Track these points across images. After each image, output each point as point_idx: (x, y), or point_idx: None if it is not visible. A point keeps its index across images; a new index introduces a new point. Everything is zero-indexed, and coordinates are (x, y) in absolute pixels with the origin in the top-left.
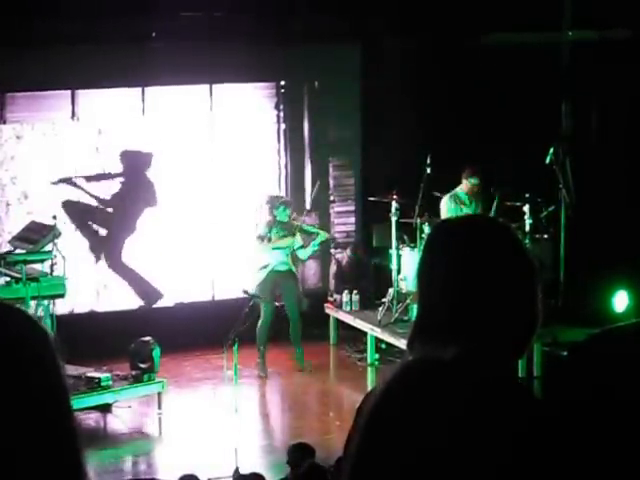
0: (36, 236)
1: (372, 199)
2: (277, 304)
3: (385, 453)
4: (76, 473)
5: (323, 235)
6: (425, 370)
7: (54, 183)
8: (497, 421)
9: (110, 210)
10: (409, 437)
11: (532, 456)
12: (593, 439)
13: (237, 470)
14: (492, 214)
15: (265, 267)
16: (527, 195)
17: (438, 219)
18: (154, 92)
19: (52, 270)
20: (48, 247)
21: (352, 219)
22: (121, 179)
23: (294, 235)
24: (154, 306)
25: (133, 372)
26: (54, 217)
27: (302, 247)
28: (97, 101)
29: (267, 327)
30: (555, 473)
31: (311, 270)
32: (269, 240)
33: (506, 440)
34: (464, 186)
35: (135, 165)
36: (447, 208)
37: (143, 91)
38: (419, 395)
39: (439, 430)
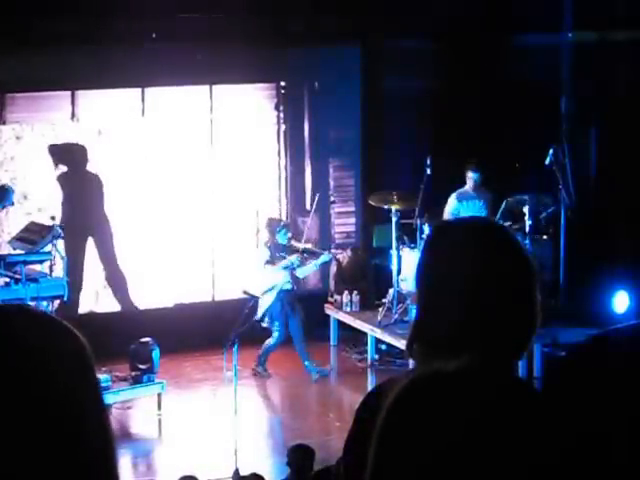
0: (35, 237)
1: (372, 199)
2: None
3: (400, 465)
4: None
5: (326, 256)
6: (436, 381)
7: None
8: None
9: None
10: (424, 448)
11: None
12: (593, 441)
13: (237, 471)
14: (497, 217)
15: (273, 288)
16: (526, 196)
17: (438, 219)
18: (154, 93)
19: (51, 271)
20: (47, 248)
21: (352, 220)
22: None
23: (292, 255)
24: (154, 307)
25: (133, 373)
26: (53, 218)
27: (300, 266)
28: (97, 102)
29: (274, 348)
30: (559, 475)
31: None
32: (273, 263)
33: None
34: (468, 183)
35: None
36: (452, 206)
37: (143, 92)
38: (432, 406)
39: (455, 440)
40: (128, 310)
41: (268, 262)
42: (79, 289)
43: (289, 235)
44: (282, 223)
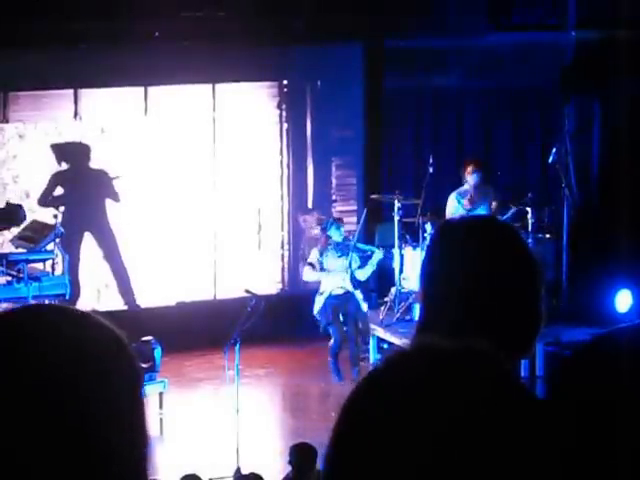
0: (37, 235)
1: (374, 197)
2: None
3: (359, 458)
4: None
5: (379, 253)
6: (417, 359)
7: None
8: (496, 421)
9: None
10: (392, 438)
11: (533, 457)
12: (596, 441)
13: (238, 470)
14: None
15: (322, 294)
16: (530, 195)
17: (441, 218)
18: (157, 92)
19: (54, 269)
20: (49, 246)
21: (354, 218)
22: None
23: (349, 255)
24: (156, 306)
25: None
26: (55, 216)
27: (360, 267)
28: (100, 100)
29: (338, 347)
30: (557, 475)
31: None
32: (321, 266)
33: (506, 442)
34: (468, 182)
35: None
36: (452, 205)
37: (146, 90)
38: (405, 386)
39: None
40: (130, 308)
41: (311, 265)
42: (77, 286)
43: (342, 230)
44: (331, 219)
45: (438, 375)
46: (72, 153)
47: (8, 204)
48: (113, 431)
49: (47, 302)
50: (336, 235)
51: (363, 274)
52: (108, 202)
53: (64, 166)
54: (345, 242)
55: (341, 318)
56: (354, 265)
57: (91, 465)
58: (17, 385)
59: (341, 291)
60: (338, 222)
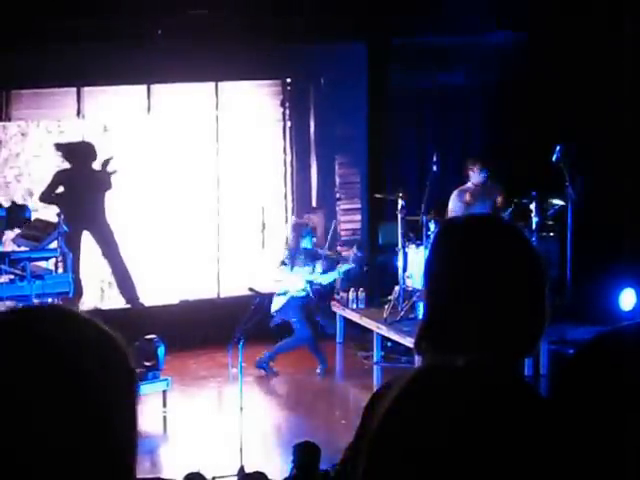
0: (40, 234)
1: (378, 196)
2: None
3: (396, 460)
4: None
5: (347, 266)
6: (438, 376)
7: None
8: (510, 426)
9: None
10: (420, 444)
11: (542, 459)
12: (601, 439)
13: (242, 469)
14: (507, 215)
15: (285, 294)
16: (534, 193)
17: (444, 216)
18: (160, 90)
19: (57, 268)
20: (52, 245)
21: (358, 217)
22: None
23: (314, 264)
24: (159, 304)
25: (138, 370)
26: (58, 215)
27: (323, 272)
28: (103, 99)
29: (286, 350)
30: (565, 475)
31: None
32: (292, 267)
33: (518, 444)
34: (472, 180)
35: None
36: (454, 203)
37: (149, 89)
38: (432, 401)
39: (452, 436)
40: (133, 306)
41: (284, 264)
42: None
43: (314, 240)
44: (309, 227)
45: (456, 387)
46: (77, 152)
47: (13, 204)
48: (106, 428)
49: (50, 301)
50: (307, 243)
51: (326, 279)
52: (108, 201)
53: (67, 164)
54: (314, 250)
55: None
56: (317, 270)
57: (81, 463)
58: (15, 386)
59: (302, 293)
60: (313, 232)
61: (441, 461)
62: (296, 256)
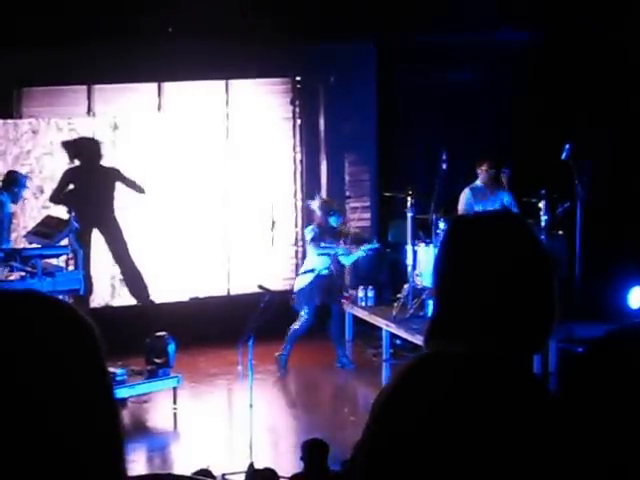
0: (51, 231)
1: (388, 194)
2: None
3: (397, 447)
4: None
5: (374, 243)
6: (438, 363)
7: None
8: (511, 416)
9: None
10: (422, 430)
11: (546, 452)
12: (610, 436)
13: (251, 465)
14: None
15: (312, 271)
16: (543, 191)
17: (454, 214)
18: (170, 88)
19: (68, 265)
20: (64, 242)
21: (368, 214)
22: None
23: (339, 240)
24: (169, 301)
25: (148, 367)
26: (69, 212)
27: (345, 253)
28: (113, 96)
29: (300, 333)
30: (570, 471)
31: None
32: (319, 245)
33: (519, 435)
34: (481, 178)
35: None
36: (465, 200)
37: (159, 86)
38: (432, 388)
39: (452, 423)
40: (144, 304)
41: (313, 240)
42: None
43: (341, 220)
44: (336, 206)
45: (455, 374)
46: (84, 149)
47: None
48: (73, 424)
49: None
50: (334, 222)
51: (348, 259)
52: (117, 199)
53: (76, 162)
54: (339, 229)
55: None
56: (339, 252)
57: (47, 457)
58: None
59: (326, 272)
60: (339, 212)
61: (436, 446)
62: (323, 234)
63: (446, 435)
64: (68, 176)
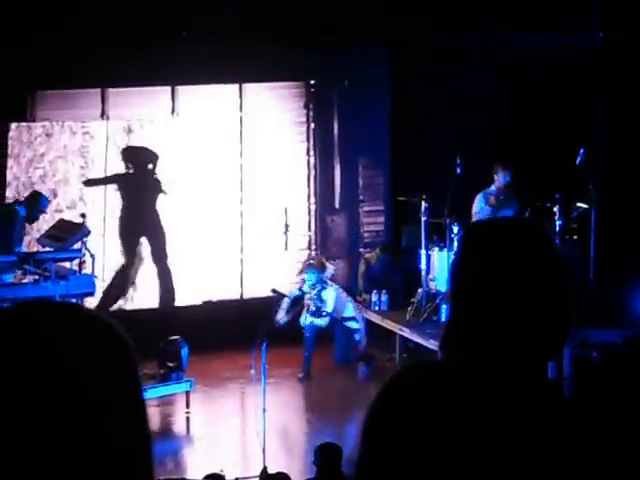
0: (65, 234)
1: (401, 199)
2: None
3: (388, 460)
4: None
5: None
6: (422, 375)
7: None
8: (522, 421)
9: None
10: (412, 442)
11: (559, 458)
12: (623, 443)
13: (265, 470)
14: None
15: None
16: (557, 196)
17: (468, 219)
18: (184, 91)
19: (81, 268)
20: (77, 245)
21: (381, 219)
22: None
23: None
24: (183, 305)
25: (161, 371)
26: (83, 215)
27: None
28: (127, 100)
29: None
30: (583, 476)
31: (339, 269)
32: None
33: (531, 440)
34: (496, 183)
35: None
36: (479, 205)
37: (173, 90)
38: (418, 400)
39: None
40: (168, 308)
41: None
42: (127, 287)
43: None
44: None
45: (440, 385)
46: (138, 157)
47: (29, 198)
48: (112, 427)
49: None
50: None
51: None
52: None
53: (129, 169)
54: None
55: None
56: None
57: (90, 460)
58: (17, 378)
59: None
60: (320, 269)
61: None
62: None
63: (452, 443)
64: (116, 179)
